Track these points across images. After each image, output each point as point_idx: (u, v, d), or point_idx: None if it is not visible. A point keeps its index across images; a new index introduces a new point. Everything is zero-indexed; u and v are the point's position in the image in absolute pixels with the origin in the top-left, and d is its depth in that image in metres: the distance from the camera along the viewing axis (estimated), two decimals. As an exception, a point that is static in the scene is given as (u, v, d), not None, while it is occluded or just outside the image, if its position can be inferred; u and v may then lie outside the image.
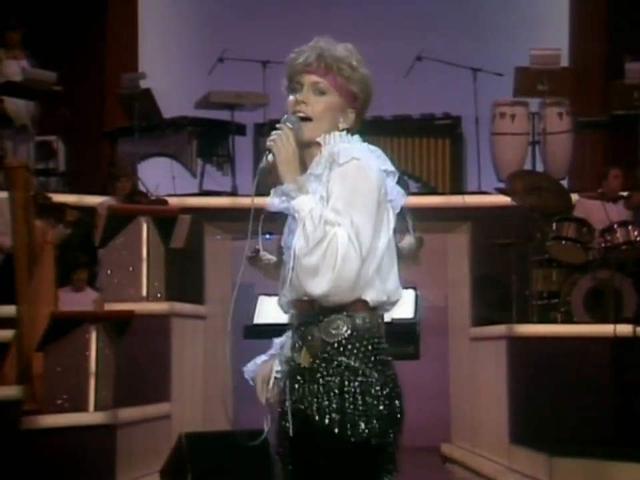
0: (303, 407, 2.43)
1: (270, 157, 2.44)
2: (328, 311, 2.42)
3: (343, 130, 2.52)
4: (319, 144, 2.50)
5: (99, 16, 10.52)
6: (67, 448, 5.85)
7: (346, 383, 2.39)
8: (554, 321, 7.56)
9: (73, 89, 9.19)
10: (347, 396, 2.39)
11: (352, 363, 2.40)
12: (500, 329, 7.44)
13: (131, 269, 7.32)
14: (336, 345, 2.42)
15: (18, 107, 8.93)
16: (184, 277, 8.03)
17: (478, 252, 8.49)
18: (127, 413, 6.40)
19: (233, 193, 9.08)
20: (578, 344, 7.01)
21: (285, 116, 2.49)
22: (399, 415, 2.44)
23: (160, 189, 8.84)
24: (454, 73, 9.24)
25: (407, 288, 8.80)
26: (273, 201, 2.45)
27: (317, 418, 2.40)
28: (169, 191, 8.98)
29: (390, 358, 2.49)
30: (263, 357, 2.62)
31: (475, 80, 9.06)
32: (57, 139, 9.11)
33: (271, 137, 2.45)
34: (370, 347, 2.43)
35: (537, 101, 9.19)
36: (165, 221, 7.57)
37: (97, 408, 6.11)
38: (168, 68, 10.56)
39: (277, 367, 2.55)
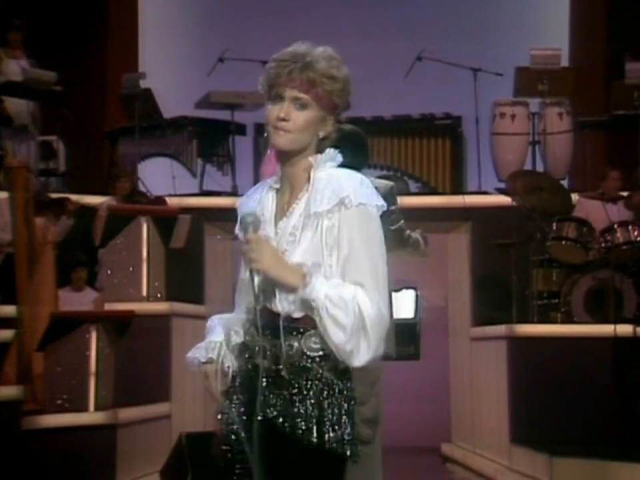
0: (274, 417, 2.42)
1: (259, 276, 2.42)
2: (306, 324, 2.43)
3: (322, 138, 2.51)
4: (306, 161, 2.49)
5: (100, 16, 10.52)
6: (68, 448, 5.85)
7: (324, 395, 2.42)
8: (554, 321, 7.56)
9: (73, 89, 9.20)
10: (324, 409, 2.41)
11: (330, 377, 2.43)
12: (500, 329, 7.44)
13: (131, 269, 7.32)
14: (317, 358, 2.43)
15: (19, 107, 8.94)
16: (184, 277, 8.03)
17: (478, 252, 8.49)
18: (127, 413, 6.40)
19: (233, 193, 9.07)
20: (578, 344, 7.00)
21: (240, 216, 2.48)
22: (354, 429, 2.47)
23: (160, 188, 8.84)
24: (454, 73, 9.24)
25: (407, 288, 8.85)
26: (292, 311, 2.43)
27: (290, 428, 2.40)
28: (169, 190, 8.98)
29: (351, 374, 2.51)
30: (210, 349, 2.54)
31: (475, 80, 9.06)
32: (57, 139, 9.12)
33: (250, 255, 2.40)
34: (342, 365, 2.44)
35: (537, 101, 9.19)
36: (165, 221, 7.57)
37: (97, 408, 6.12)
38: (168, 68, 10.56)
39: (228, 360, 2.52)
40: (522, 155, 9.15)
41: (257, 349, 2.47)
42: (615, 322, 6.99)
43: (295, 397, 2.42)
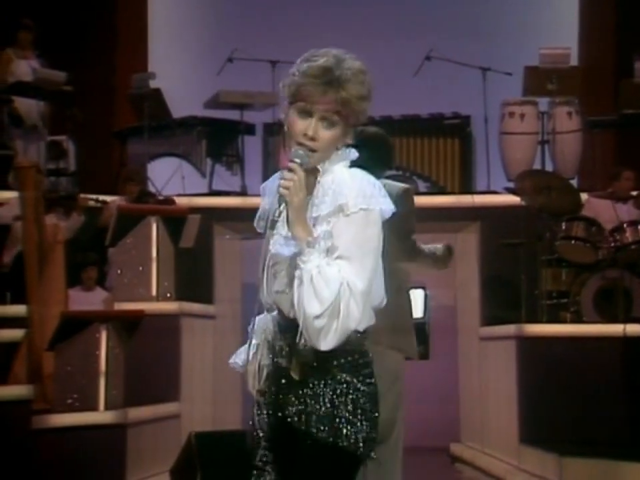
0: (290, 415, 2.46)
1: (282, 206, 2.42)
2: None
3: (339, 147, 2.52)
4: (317, 169, 2.49)
5: (109, 16, 10.55)
6: (77, 447, 5.86)
7: (338, 394, 2.43)
8: (563, 321, 7.55)
9: (83, 89, 9.22)
10: (337, 407, 2.43)
11: (344, 376, 2.44)
12: (509, 329, 7.44)
13: (140, 268, 7.33)
14: (330, 357, 2.44)
15: (28, 106, 8.96)
16: (193, 276, 8.04)
17: (487, 252, 8.49)
18: (137, 413, 6.41)
19: (242, 193, 9.09)
20: (587, 344, 6.99)
21: (293, 149, 2.45)
22: (376, 428, 2.48)
23: (169, 188, 8.85)
24: (463, 73, 9.24)
25: (416, 288, 8.87)
26: (282, 249, 2.45)
27: (304, 427, 2.43)
28: (179, 190, 9.00)
29: (372, 370, 2.52)
30: (251, 348, 2.58)
31: (484, 79, 9.06)
32: (67, 138, 9.14)
33: (285, 183, 2.41)
34: (360, 361, 2.47)
35: (546, 100, 9.17)
36: (174, 220, 7.58)
37: (107, 407, 6.13)
38: (177, 68, 10.58)
39: (265, 359, 2.55)
40: (531, 154, 9.14)
41: (277, 347, 2.52)
42: (625, 321, 6.98)
43: (309, 396, 2.44)
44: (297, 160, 2.43)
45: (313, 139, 2.45)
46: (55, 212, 7.70)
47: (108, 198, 8.37)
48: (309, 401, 2.44)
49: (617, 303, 7.27)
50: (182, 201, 8.56)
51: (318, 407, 2.42)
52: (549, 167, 9.03)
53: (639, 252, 7.50)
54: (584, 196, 8.13)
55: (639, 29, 9.90)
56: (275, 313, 2.53)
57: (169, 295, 7.40)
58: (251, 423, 2.58)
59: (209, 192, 9.18)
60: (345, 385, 2.43)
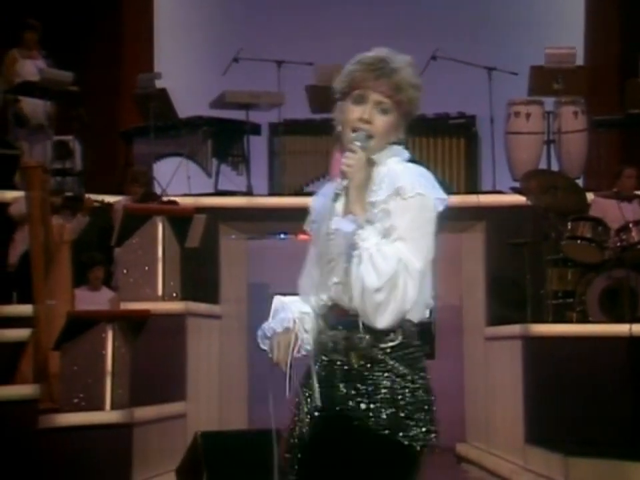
0: (348, 409, 2.46)
1: (345, 182, 2.48)
2: None
3: (393, 143, 2.59)
4: (372, 161, 2.54)
5: (115, 16, 10.56)
6: (83, 447, 5.87)
7: (396, 388, 2.46)
8: (569, 321, 7.55)
9: (89, 89, 9.23)
10: (396, 401, 2.45)
11: (402, 369, 2.47)
12: (515, 329, 7.44)
13: (146, 268, 7.34)
14: (389, 350, 2.47)
15: (35, 106, 8.97)
16: (199, 276, 8.05)
17: (493, 251, 8.49)
18: (143, 412, 6.42)
19: (248, 193, 9.09)
20: (593, 343, 6.99)
21: (354, 134, 2.51)
22: (435, 420, 2.53)
23: (175, 188, 8.86)
24: (469, 72, 9.23)
25: (421, 287, 8.80)
26: (343, 225, 2.47)
27: (365, 420, 2.44)
28: (184, 190, 9.01)
29: (425, 365, 2.56)
30: (286, 321, 2.55)
31: (490, 79, 9.06)
32: (73, 138, 9.15)
33: (347, 161, 2.47)
34: (416, 354, 2.51)
35: (551, 100, 9.17)
36: (180, 220, 7.59)
37: (113, 407, 6.14)
38: (183, 68, 10.59)
39: (302, 334, 2.52)
40: (536, 154, 9.14)
41: (329, 344, 2.52)
42: (630, 321, 6.98)
43: (367, 390, 2.46)
44: (358, 143, 2.49)
45: (368, 122, 2.52)
46: (61, 212, 7.71)
47: (113, 198, 8.39)
48: (367, 394, 2.45)
49: (623, 303, 7.26)
50: (188, 201, 8.57)
51: (377, 400, 2.44)
52: (554, 167, 9.03)
53: (645, 252, 7.49)
54: (590, 196, 8.13)
55: (644, 28, 9.89)
56: (327, 310, 2.53)
57: (174, 294, 7.41)
58: (293, 423, 2.55)
59: (214, 192, 9.19)
60: (402, 378, 2.47)
